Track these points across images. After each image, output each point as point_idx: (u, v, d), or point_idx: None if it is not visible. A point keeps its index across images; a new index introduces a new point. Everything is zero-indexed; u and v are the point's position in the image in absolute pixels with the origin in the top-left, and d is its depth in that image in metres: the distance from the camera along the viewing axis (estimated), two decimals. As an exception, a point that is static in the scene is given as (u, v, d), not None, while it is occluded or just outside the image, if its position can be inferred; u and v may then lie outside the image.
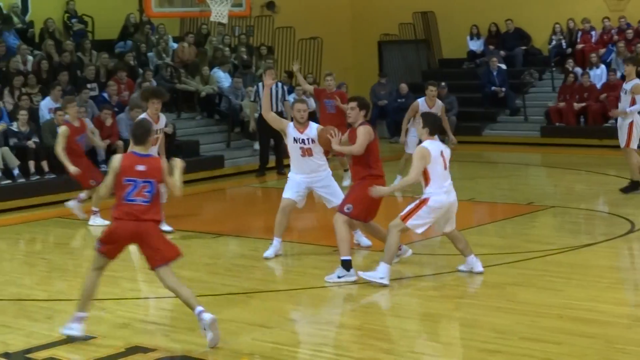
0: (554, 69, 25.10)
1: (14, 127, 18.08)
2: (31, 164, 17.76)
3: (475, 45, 27.10)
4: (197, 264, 12.28)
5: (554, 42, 25.63)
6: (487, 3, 26.98)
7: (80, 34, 22.62)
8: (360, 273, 10.78)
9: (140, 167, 8.67)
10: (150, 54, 22.90)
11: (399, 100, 25.33)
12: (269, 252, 12.23)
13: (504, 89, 24.78)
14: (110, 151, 18.64)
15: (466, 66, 27.05)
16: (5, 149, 17.57)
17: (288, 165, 19.73)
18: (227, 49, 24.24)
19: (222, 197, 18.99)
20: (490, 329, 8.88)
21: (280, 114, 19.62)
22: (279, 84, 20.16)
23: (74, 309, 8.99)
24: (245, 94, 21.99)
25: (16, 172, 17.50)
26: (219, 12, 21.22)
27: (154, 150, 12.80)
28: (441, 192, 10.56)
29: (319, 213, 15.13)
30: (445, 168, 10.63)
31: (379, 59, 29.19)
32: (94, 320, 9.85)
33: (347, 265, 10.90)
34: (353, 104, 11.29)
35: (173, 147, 20.03)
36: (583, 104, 22.93)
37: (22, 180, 17.55)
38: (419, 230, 10.78)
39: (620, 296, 10.08)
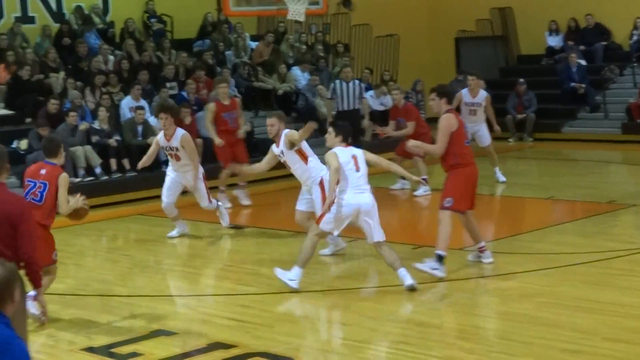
0: (635, 64, 24.73)
1: (96, 125, 18.35)
2: (113, 162, 18.02)
3: (554, 41, 26.83)
4: (276, 262, 12.32)
5: (635, 37, 25.25)
6: (566, -2, 26.75)
7: (159, 34, 22.87)
8: (276, 269, 10.83)
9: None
10: (228, 53, 23.07)
11: (476, 97, 25.17)
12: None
13: (583, 86, 24.49)
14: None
15: (545, 62, 26.80)
16: (88, 147, 17.85)
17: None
18: (303, 47, 24.32)
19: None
20: (572, 329, 8.81)
21: (357, 111, 19.70)
22: (357, 82, 20.18)
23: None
24: (322, 91, 22.03)
25: (98, 170, 17.78)
26: (296, 10, 21.31)
27: (182, 166, 13.29)
28: (352, 193, 10.54)
29: (398, 212, 15.13)
30: (358, 170, 10.64)
31: (456, 56, 29.06)
32: (174, 315, 10.00)
33: (440, 259, 10.87)
34: (433, 95, 11.28)
35: (251, 144, 20.21)
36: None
37: (104, 177, 17.84)
38: (335, 232, 10.84)
39: None
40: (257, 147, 20.35)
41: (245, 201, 16.87)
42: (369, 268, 12.20)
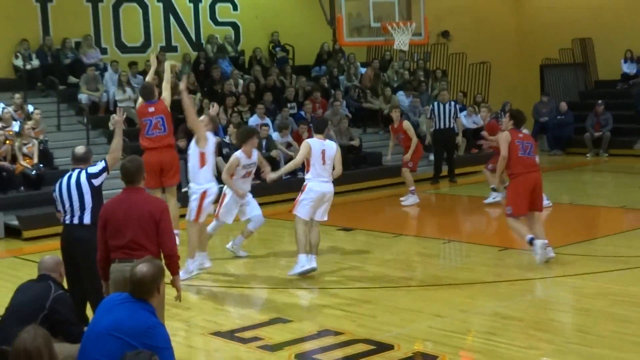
0: (702, 88, 24.01)
1: (227, 139, 18.53)
2: (240, 171, 18.14)
3: (629, 68, 26.18)
4: (380, 260, 12.30)
5: None
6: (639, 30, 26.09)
7: (282, 61, 23.02)
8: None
9: None
10: (341, 77, 23.09)
11: (558, 117, 24.77)
12: None
13: (654, 109, 23.87)
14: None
15: (620, 87, 26.17)
16: (219, 158, 18.00)
17: (459, 174, 19.72)
18: (406, 72, 24.21)
19: (400, 202, 18.93)
20: (642, 325, 8.57)
21: (452, 129, 19.52)
22: (452, 103, 20.00)
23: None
24: (422, 111, 21.89)
25: (226, 177, 17.91)
26: (401, 41, 21.18)
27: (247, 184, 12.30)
28: (317, 180, 11.04)
29: (488, 216, 14.92)
30: (324, 164, 11.08)
31: (540, 80, 28.57)
32: (290, 305, 10.01)
33: (531, 241, 11.27)
34: (507, 116, 11.81)
35: (360, 157, 20.20)
36: None
37: (233, 184, 17.95)
38: (305, 217, 11.17)
39: None
40: (365, 160, 20.35)
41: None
42: (460, 267, 12.06)
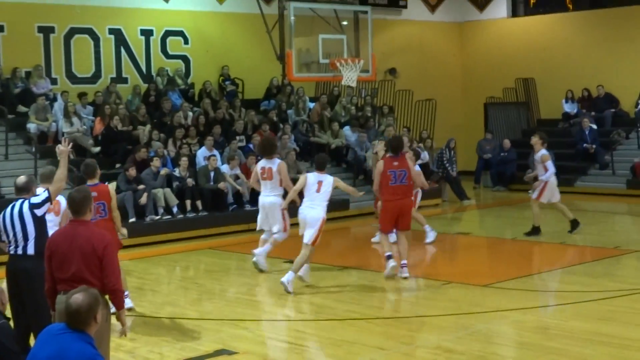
0: (639, 129, 24.45)
1: (177, 172, 18.43)
2: (188, 203, 18.05)
3: (570, 108, 26.59)
4: (325, 292, 12.28)
5: (640, 106, 25.00)
6: (581, 71, 26.54)
7: (232, 94, 23.00)
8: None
9: None
10: (289, 112, 23.13)
11: (502, 154, 25.07)
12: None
13: (594, 146, 24.23)
14: (253, 193, 18.88)
15: (561, 126, 26.56)
16: (167, 190, 17.93)
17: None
18: (354, 108, 24.33)
19: (347, 235, 18.97)
20: (580, 359, 8.62)
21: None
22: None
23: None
24: (369, 147, 22.00)
25: (175, 209, 17.82)
26: (349, 77, 21.31)
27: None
28: (305, 206, 12.53)
29: (431, 250, 14.98)
30: (318, 191, 12.60)
31: (484, 118, 28.89)
32: (235, 337, 9.94)
33: (388, 257, 12.76)
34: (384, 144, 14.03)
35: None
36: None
37: (180, 216, 17.86)
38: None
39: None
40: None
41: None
42: (404, 300, 12.09)
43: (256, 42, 23.34)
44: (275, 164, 13.56)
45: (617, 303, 11.06)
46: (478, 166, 25.34)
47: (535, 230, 16.33)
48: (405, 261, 12.89)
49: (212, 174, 18.43)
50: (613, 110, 25.79)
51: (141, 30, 22.15)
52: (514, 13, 28.94)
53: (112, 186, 11.08)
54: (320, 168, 12.97)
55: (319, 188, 12.63)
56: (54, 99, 19.97)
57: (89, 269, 6.99)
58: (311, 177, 12.73)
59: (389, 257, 12.83)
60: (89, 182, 10.52)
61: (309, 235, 12.44)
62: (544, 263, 14.76)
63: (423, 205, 19.31)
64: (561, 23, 27.79)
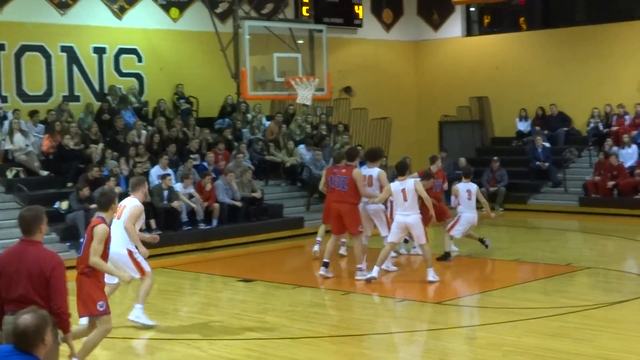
0: (591, 147, 24.78)
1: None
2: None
3: (523, 126, 26.89)
4: (279, 311, 12.25)
5: (591, 125, 25.33)
6: (534, 90, 26.84)
7: (186, 112, 22.92)
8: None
9: None
10: (244, 130, 23.12)
11: (456, 172, 25.17)
12: None
13: (547, 164, 24.51)
14: (208, 212, 18.84)
15: (515, 144, 26.83)
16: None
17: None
18: (309, 126, 24.38)
19: (301, 253, 18.95)
20: (532, 375, 8.68)
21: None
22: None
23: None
24: (324, 165, 22.04)
25: (129, 228, 17.66)
26: (304, 96, 21.38)
27: None
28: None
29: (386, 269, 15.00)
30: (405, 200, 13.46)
31: (439, 137, 29.11)
32: (187, 356, 9.87)
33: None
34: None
35: (262, 209, 20.19)
36: (613, 182, 22.57)
37: (133, 235, 17.69)
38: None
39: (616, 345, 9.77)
40: (267, 211, 20.35)
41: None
42: (357, 318, 12.09)
43: (211, 60, 23.31)
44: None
45: (569, 319, 11.16)
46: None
47: (445, 256, 15.94)
48: (359, 265, 13.99)
49: (166, 192, 18.34)
50: (566, 128, 26.10)
51: (94, 47, 21.99)
52: (469, 32, 29.23)
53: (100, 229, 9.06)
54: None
55: (404, 197, 13.49)
56: (4, 117, 19.77)
57: (37, 290, 6.85)
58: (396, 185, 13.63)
59: (326, 265, 14.28)
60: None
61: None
62: (498, 280, 14.86)
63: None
64: (515, 43, 28.12)
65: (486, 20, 30.07)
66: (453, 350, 10.15)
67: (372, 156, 14.85)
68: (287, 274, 15.93)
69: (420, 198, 13.58)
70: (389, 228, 14.19)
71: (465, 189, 15.96)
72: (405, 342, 10.44)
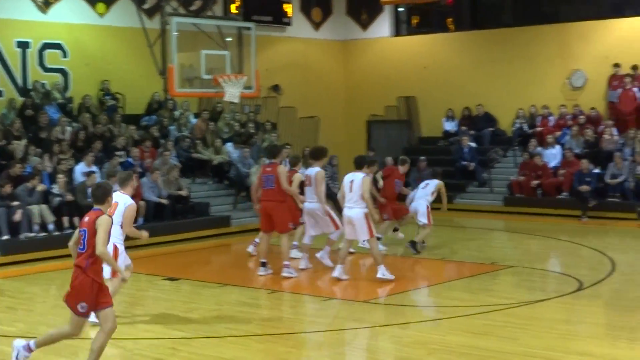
0: (516, 148, 25.16)
1: (55, 189, 17.99)
2: (65, 220, 17.66)
3: (450, 126, 27.17)
4: (204, 310, 12.17)
5: (517, 125, 25.72)
6: (461, 90, 27.13)
7: (112, 109, 22.63)
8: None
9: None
10: (171, 127, 22.92)
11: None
12: None
13: (473, 164, 24.81)
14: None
15: (441, 144, 27.08)
16: (44, 206, 17.50)
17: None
18: (237, 124, 24.28)
19: (228, 251, 18.87)
20: (457, 373, 8.76)
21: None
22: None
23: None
24: (252, 163, 21.99)
25: (51, 226, 17.40)
26: (232, 93, 21.29)
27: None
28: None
29: (313, 268, 15.02)
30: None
31: (367, 136, 29.26)
32: (114, 357, 9.74)
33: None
34: None
35: (188, 207, 20.04)
36: (537, 182, 22.95)
37: (56, 233, 17.43)
38: None
39: (569, 345, 9.94)
40: (194, 209, 20.21)
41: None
42: (285, 317, 12.07)
43: (138, 56, 23.05)
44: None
45: (493, 317, 11.29)
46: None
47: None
48: (286, 262, 14.21)
49: (89, 190, 18.03)
50: (491, 129, 26.44)
51: (17, 42, 21.55)
52: (397, 32, 29.41)
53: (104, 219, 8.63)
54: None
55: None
56: None
57: None
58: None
59: (263, 264, 14.45)
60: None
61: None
62: (424, 279, 14.98)
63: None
64: (442, 43, 28.38)
65: (414, 21, 30.31)
66: (379, 349, 10.19)
67: (315, 155, 14.83)
68: (214, 273, 15.84)
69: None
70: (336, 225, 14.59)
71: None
72: (332, 340, 10.45)
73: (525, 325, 10.85)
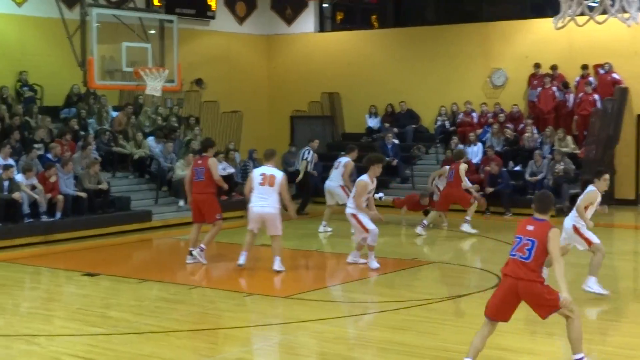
0: (438, 145, 25.42)
1: (-32, 180, 17.59)
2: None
3: (373, 123, 27.32)
4: (124, 305, 12.02)
5: (439, 123, 26.00)
6: (384, 87, 27.30)
7: (30, 100, 22.20)
8: None
9: None
10: (91, 120, 22.57)
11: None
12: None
13: (396, 160, 25.00)
14: (51, 204, 18.27)
15: (365, 140, 27.18)
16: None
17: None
18: (159, 118, 24.03)
19: (149, 246, 18.67)
20: (377, 368, 8.79)
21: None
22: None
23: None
24: (174, 157, 21.81)
25: (-34, 219, 17.02)
26: (154, 87, 21.07)
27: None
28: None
29: (234, 263, 14.96)
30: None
31: (290, 131, 29.26)
32: (28, 354, 9.55)
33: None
34: None
35: (108, 201, 19.76)
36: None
37: (-29, 226, 17.04)
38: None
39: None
40: (114, 204, 19.93)
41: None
42: (206, 313, 11.98)
43: (57, 47, 22.63)
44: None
45: (413, 312, 11.37)
46: (283, 179, 25.53)
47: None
48: (192, 248, 14.85)
49: (6, 183, 17.68)
50: (414, 126, 26.68)
51: None
52: (321, 28, 29.46)
53: None
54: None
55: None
56: None
57: None
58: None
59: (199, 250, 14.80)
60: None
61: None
62: (345, 274, 15.00)
63: (229, 217, 19.29)
64: (366, 40, 28.53)
65: (339, 17, 30.41)
66: (300, 344, 10.18)
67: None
68: (133, 268, 15.67)
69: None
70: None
71: None
72: (253, 336, 10.42)
73: (445, 321, 10.97)
